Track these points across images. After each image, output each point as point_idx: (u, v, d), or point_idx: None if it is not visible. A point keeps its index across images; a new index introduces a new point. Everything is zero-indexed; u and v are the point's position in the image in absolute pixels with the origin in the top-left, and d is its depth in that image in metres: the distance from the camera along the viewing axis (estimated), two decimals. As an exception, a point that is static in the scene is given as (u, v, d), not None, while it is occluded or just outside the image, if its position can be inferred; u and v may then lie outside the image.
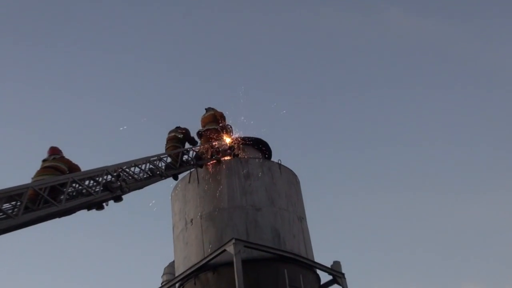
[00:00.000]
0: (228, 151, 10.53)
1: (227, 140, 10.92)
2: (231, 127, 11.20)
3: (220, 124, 11.00)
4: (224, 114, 11.06)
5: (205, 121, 10.96)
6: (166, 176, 9.03)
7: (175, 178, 9.71)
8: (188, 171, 10.21)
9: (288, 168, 10.61)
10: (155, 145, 10.30)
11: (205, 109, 11.26)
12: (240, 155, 10.65)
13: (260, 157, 11.09)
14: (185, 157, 9.89)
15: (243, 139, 10.99)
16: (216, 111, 11.10)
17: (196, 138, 10.90)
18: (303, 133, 27.95)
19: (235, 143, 10.85)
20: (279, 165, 10.39)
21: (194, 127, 10.92)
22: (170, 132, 10.51)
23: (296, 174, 10.78)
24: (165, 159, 9.27)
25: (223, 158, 10.34)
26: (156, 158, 8.96)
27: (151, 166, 8.69)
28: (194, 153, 10.12)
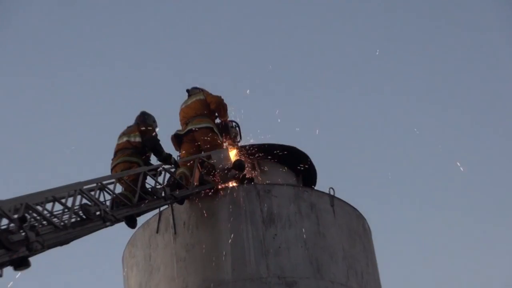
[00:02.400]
0: (233, 171, 10.51)
1: (230, 149, 10.97)
2: (237, 125, 11.20)
3: (218, 120, 11.04)
4: (225, 100, 11.10)
5: (188, 114, 10.93)
6: (114, 221, 8.94)
7: (131, 224, 9.68)
8: (157, 211, 10.26)
9: (349, 205, 10.58)
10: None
11: (187, 91, 11.34)
12: (255, 178, 10.71)
13: (295, 183, 11.11)
14: (150, 183, 9.92)
15: (262, 148, 11.04)
16: (208, 93, 11.10)
17: (173, 148, 10.94)
18: (373, 142, 28.40)
19: (245, 156, 10.93)
20: (332, 198, 10.35)
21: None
22: (120, 136, 10.52)
23: (364, 216, 10.76)
24: (111, 187, 9.26)
25: (222, 185, 10.34)
26: (94, 185, 8.91)
27: (85, 200, 8.67)
28: (168, 175, 10.17)
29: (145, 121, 10.61)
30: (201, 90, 11.17)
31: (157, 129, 10.71)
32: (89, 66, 29.57)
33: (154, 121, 10.75)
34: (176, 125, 11.13)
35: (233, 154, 10.93)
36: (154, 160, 10.40)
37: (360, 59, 29.08)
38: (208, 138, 10.61)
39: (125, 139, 10.39)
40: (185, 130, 10.76)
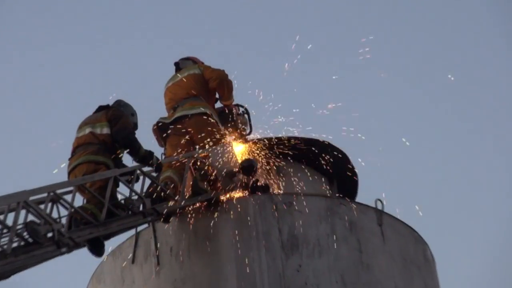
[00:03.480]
0: (241, 175, 10.51)
1: (236, 145, 11.05)
2: (246, 111, 11.35)
3: (219, 102, 11.14)
4: (230, 76, 11.02)
5: (176, 94, 10.93)
6: (72, 246, 8.89)
7: (97, 250, 9.66)
8: (133, 232, 10.36)
9: (404, 223, 10.64)
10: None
11: (176, 64, 11.39)
12: (272, 186, 10.85)
13: (328, 192, 11.32)
14: (123, 192, 9.84)
15: (281, 142, 11.12)
16: (206, 66, 11.16)
17: (155, 143, 10.98)
18: (438, 134, 28.58)
19: (257, 155, 11.02)
20: (380, 213, 10.38)
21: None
22: (81, 127, 10.42)
23: (426, 239, 10.81)
24: (68, 198, 9.20)
25: (225, 196, 10.31)
26: (45, 195, 8.86)
27: (32, 217, 8.68)
28: (148, 182, 10.10)
29: (118, 108, 10.54)
30: (195, 61, 11.28)
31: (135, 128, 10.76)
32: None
33: (133, 114, 10.71)
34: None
35: (240, 152, 11.00)
36: (129, 160, 10.36)
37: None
38: (205, 129, 10.60)
39: (88, 130, 10.28)
40: (173, 118, 10.74)
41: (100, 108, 10.55)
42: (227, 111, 11.16)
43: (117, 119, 10.25)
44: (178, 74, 11.16)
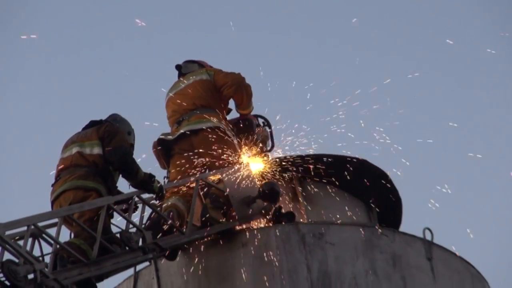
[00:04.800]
0: (260, 202, 10.52)
1: (256, 165, 11.08)
2: (267, 123, 11.42)
3: (236, 110, 11.23)
4: (247, 80, 11.12)
5: (181, 105, 11.03)
6: None
7: None
8: (131, 272, 10.52)
9: (458, 257, 10.62)
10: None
11: (178, 67, 11.50)
12: (298, 214, 10.87)
13: (366, 220, 11.51)
14: (119, 223, 9.83)
15: (309, 161, 11.16)
16: (217, 70, 11.23)
17: (156, 164, 11.06)
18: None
19: (281, 176, 11.10)
20: (429, 245, 10.36)
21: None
22: (67, 146, 10.36)
23: (486, 277, 10.84)
24: (51, 231, 9.11)
25: (242, 226, 10.39)
26: (24, 229, 8.78)
27: (9, 255, 8.47)
28: (148, 211, 10.00)
29: (112, 124, 10.48)
30: (203, 65, 11.39)
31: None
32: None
33: (130, 133, 10.68)
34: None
35: (259, 173, 11.04)
36: (124, 185, 10.23)
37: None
38: (217, 147, 10.61)
39: (75, 150, 10.22)
40: (177, 134, 10.79)
41: (91, 124, 10.50)
42: (242, 124, 11.16)
43: (111, 136, 10.18)
44: (182, 81, 11.14)
